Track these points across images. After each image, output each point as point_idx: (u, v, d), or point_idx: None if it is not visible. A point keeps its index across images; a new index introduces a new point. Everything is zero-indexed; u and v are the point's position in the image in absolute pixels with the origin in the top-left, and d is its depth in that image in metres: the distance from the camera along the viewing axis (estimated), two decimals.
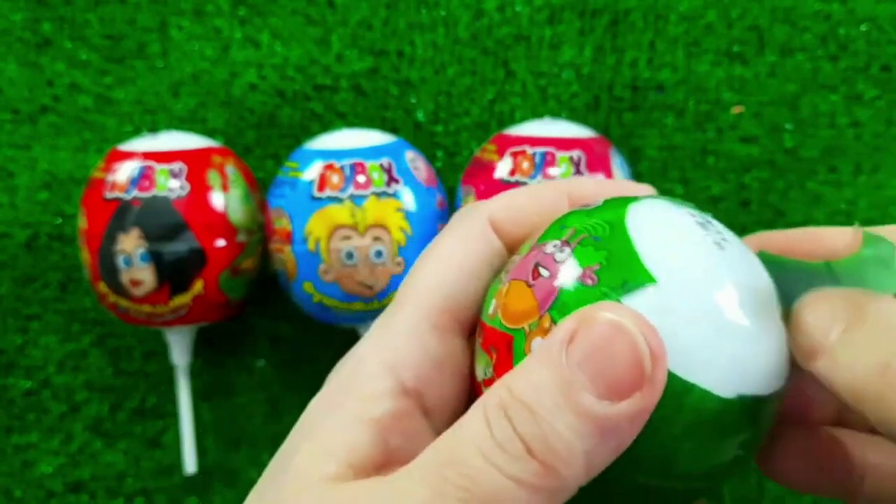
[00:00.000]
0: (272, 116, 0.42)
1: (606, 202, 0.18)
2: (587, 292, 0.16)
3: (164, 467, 0.43)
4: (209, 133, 0.41)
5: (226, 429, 0.43)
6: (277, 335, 0.43)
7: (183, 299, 0.35)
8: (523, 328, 0.16)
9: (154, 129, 0.42)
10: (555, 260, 0.17)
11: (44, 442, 0.43)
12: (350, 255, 0.34)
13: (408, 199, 0.35)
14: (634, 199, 0.18)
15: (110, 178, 0.35)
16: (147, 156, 0.35)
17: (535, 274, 0.17)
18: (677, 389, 0.15)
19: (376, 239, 0.34)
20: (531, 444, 0.15)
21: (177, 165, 0.35)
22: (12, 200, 0.42)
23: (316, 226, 0.34)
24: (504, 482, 0.15)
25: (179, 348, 0.38)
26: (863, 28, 0.41)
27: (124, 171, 0.35)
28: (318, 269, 0.35)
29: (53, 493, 0.43)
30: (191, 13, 0.42)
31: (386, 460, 0.17)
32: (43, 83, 0.42)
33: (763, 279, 0.17)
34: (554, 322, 0.16)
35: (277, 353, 0.43)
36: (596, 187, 0.21)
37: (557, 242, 0.17)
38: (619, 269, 0.16)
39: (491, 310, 0.18)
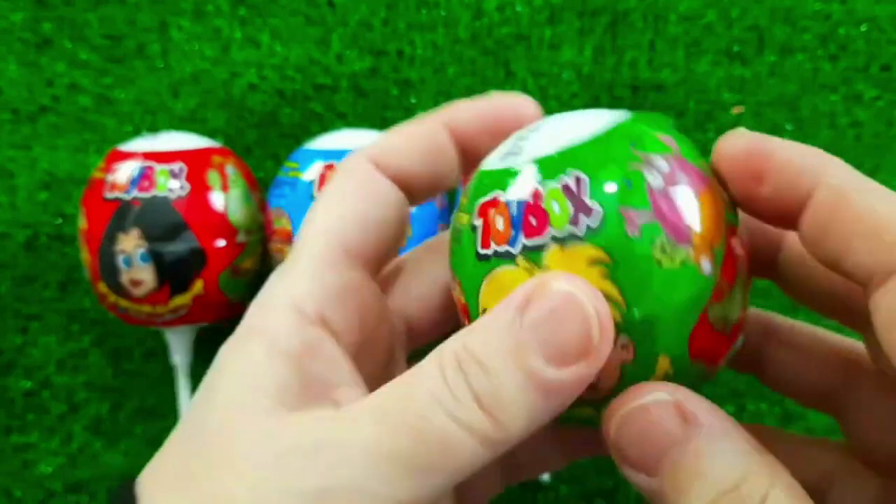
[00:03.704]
0: (272, 116, 0.42)
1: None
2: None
3: None
4: (209, 133, 0.41)
5: None
6: None
7: (183, 299, 0.35)
8: None
9: (154, 129, 0.42)
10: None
11: (44, 442, 0.43)
12: None
13: None
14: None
15: (110, 178, 0.35)
16: (147, 156, 0.35)
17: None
18: None
19: None
20: (481, 396, 0.16)
21: (177, 165, 0.35)
22: (12, 200, 0.42)
23: None
24: (453, 428, 0.16)
25: (179, 348, 0.38)
26: (862, 28, 0.41)
27: (124, 172, 0.35)
28: None
29: (53, 493, 0.43)
30: (191, 13, 0.42)
31: (306, 390, 0.18)
32: (43, 83, 0.42)
33: None
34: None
35: None
36: (474, 112, 0.21)
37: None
38: None
39: None
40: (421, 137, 0.21)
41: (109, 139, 0.42)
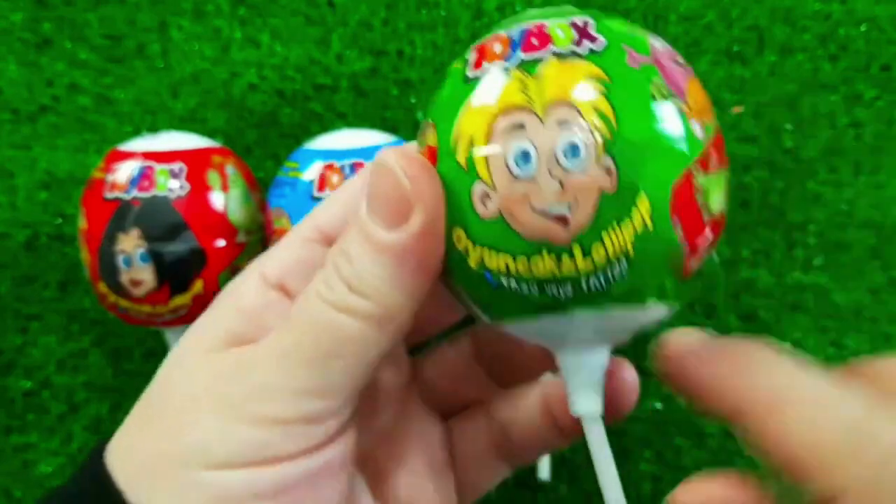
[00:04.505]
0: (272, 116, 0.42)
1: None
2: None
3: None
4: (209, 133, 0.41)
5: None
6: None
7: (183, 299, 0.35)
8: None
9: (154, 129, 0.42)
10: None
11: (44, 442, 0.43)
12: None
13: None
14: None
15: (110, 178, 0.35)
16: (147, 156, 0.35)
17: None
18: None
19: None
20: (350, 281, 0.18)
21: (177, 165, 0.35)
22: (12, 200, 0.42)
23: None
24: (335, 315, 0.18)
25: None
26: (862, 28, 0.41)
27: (124, 172, 0.35)
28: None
29: None
30: (191, 13, 0.42)
31: (262, 335, 0.19)
32: (43, 83, 0.42)
33: None
34: None
35: None
36: (338, 210, 0.22)
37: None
38: None
39: None
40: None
41: (109, 139, 0.42)
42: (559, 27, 0.17)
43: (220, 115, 0.42)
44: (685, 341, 0.18)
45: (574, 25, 0.17)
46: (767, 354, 0.17)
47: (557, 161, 0.17)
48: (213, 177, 0.36)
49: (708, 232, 0.18)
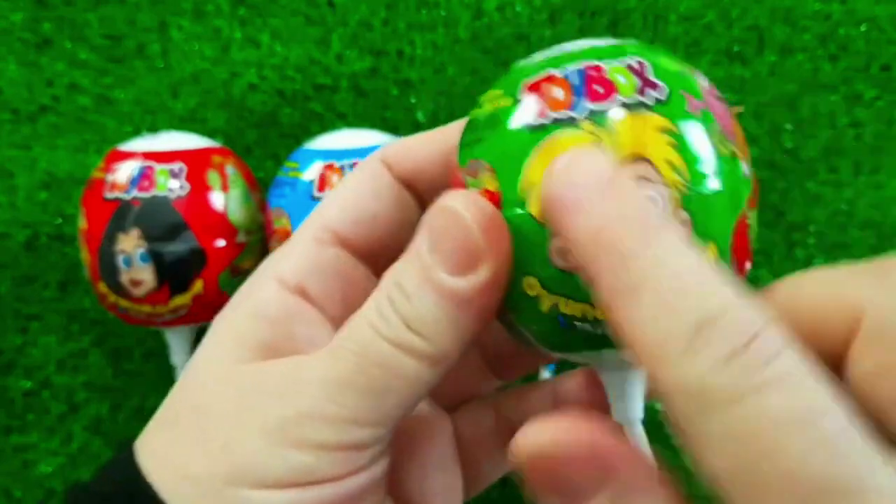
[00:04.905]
0: (272, 116, 0.42)
1: None
2: None
3: None
4: (209, 133, 0.41)
5: None
6: None
7: (183, 299, 0.35)
8: None
9: (154, 129, 0.42)
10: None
11: (44, 442, 0.43)
12: None
13: None
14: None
15: (110, 178, 0.35)
16: (147, 156, 0.35)
17: None
18: None
19: None
20: (408, 319, 0.18)
21: (177, 165, 0.35)
22: (12, 200, 0.42)
23: None
24: (391, 350, 0.18)
25: (179, 348, 0.38)
26: (862, 28, 0.41)
27: (124, 171, 0.35)
28: None
29: (53, 492, 0.43)
30: (191, 13, 0.42)
31: (284, 347, 0.20)
32: (43, 83, 0.42)
33: None
34: None
35: None
36: (348, 210, 0.22)
37: None
38: None
39: None
40: (434, 143, 0.22)
41: (109, 139, 0.42)
42: (619, 73, 0.17)
43: (220, 115, 0.42)
44: (541, 441, 0.16)
45: (632, 70, 0.17)
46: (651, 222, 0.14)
47: None
48: (213, 177, 0.36)
49: (749, 260, 0.18)
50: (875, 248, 0.41)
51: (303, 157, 0.36)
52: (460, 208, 0.17)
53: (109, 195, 0.35)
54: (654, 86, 0.17)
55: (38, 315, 0.43)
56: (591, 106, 0.17)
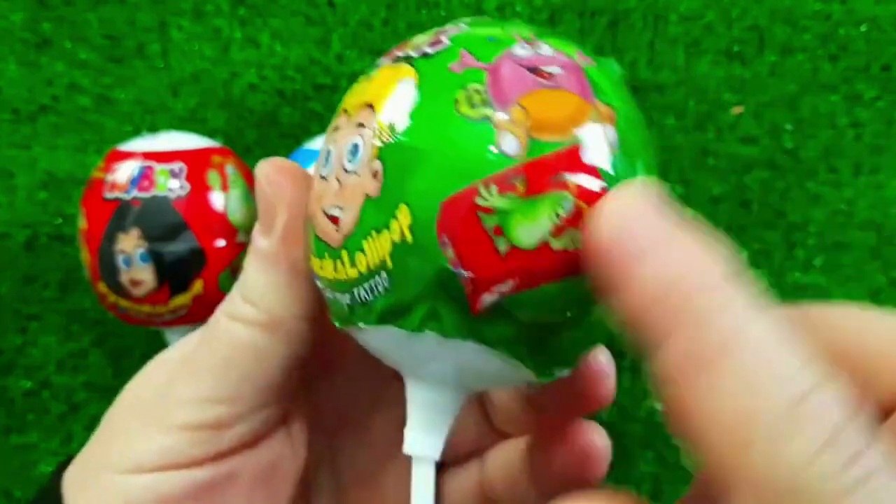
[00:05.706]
0: (272, 116, 0.42)
1: None
2: None
3: None
4: (209, 133, 0.41)
5: None
6: None
7: (183, 299, 0.35)
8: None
9: (154, 128, 0.42)
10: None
11: (44, 442, 0.43)
12: None
13: None
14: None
15: (110, 178, 0.35)
16: (147, 156, 0.35)
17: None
18: None
19: None
20: (243, 291, 0.19)
21: (177, 165, 0.35)
22: (12, 200, 0.42)
23: None
24: (230, 324, 0.19)
25: None
26: (862, 28, 0.41)
27: (124, 171, 0.35)
28: None
29: None
30: (191, 13, 0.42)
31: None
32: (43, 83, 0.42)
33: None
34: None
35: None
36: None
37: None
38: None
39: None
40: None
41: (109, 139, 0.42)
42: (442, 32, 0.17)
43: (220, 115, 0.42)
44: None
45: (452, 30, 0.17)
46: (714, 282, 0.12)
47: (342, 162, 0.16)
48: (213, 177, 0.36)
49: (506, 266, 0.14)
50: (875, 249, 0.41)
51: (303, 157, 0.36)
52: (257, 171, 0.19)
53: (109, 195, 0.35)
54: (438, 42, 0.16)
55: (38, 315, 0.43)
56: (397, 53, 0.17)
